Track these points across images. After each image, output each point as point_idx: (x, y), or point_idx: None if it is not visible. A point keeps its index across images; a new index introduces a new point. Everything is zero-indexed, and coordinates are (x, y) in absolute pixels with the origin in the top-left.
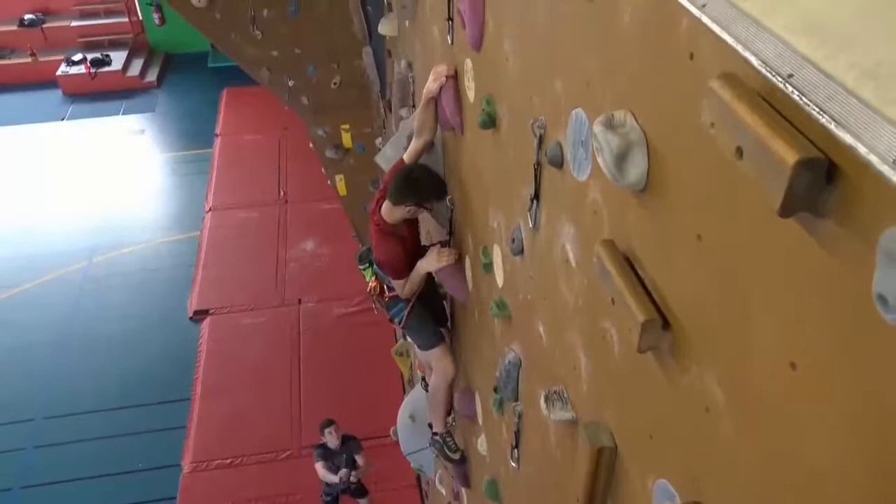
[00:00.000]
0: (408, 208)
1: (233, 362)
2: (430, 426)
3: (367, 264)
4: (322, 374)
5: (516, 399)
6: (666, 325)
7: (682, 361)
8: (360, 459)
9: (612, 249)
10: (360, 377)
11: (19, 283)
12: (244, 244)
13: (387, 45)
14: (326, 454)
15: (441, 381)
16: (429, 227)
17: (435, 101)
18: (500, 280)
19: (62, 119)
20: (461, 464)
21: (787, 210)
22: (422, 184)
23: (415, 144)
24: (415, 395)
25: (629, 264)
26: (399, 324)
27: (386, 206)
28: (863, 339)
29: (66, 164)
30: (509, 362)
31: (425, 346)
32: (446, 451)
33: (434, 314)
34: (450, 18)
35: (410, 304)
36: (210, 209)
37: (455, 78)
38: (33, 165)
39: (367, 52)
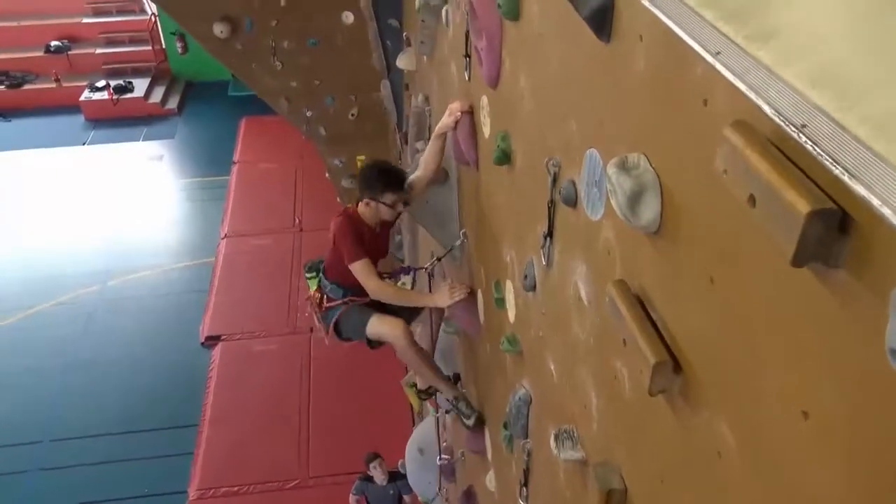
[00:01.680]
0: (367, 200)
1: (243, 389)
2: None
3: (314, 273)
4: (331, 403)
5: (526, 436)
6: (677, 367)
7: (693, 405)
8: (408, 500)
9: (625, 290)
10: (369, 408)
11: (33, 304)
12: (258, 271)
13: (405, 79)
14: (368, 489)
15: (399, 347)
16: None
17: (444, 136)
18: (511, 315)
19: (83, 144)
20: (478, 429)
21: (799, 260)
22: (371, 177)
23: (416, 174)
24: (424, 429)
25: (641, 305)
26: (328, 330)
27: (361, 203)
28: (876, 392)
29: (84, 187)
30: (520, 399)
31: (359, 330)
32: (463, 418)
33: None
34: (467, 55)
35: (344, 308)
36: (225, 236)
37: (471, 114)
38: (53, 188)
39: (385, 84)
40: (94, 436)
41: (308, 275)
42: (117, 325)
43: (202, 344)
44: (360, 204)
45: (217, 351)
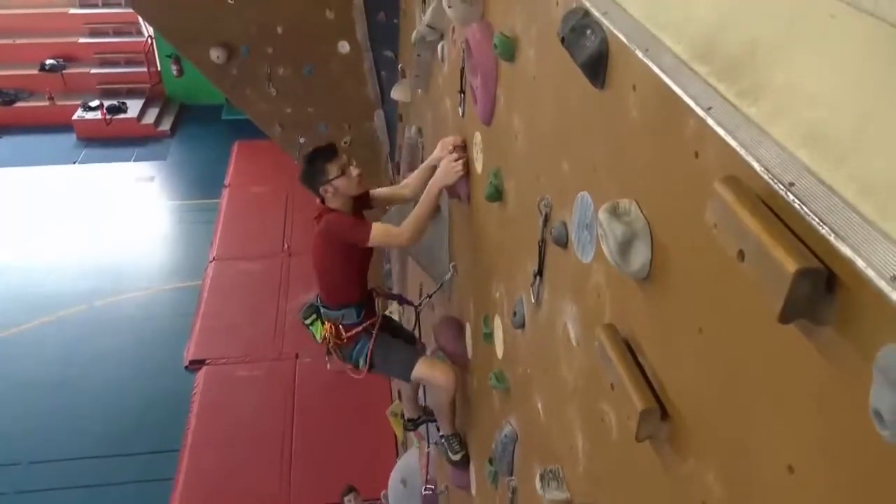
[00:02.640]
0: (324, 188)
1: (226, 415)
2: (438, 429)
3: (314, 315)
4: (315, 431)
5: (511, 474)
6: (665, 414)
7: (680, 452)
8: None
9: (614, 334)
10: (353, 437)
11: (18, 322)
12: (245, 295)
13: (399, 110)
14: None
15: (443, 394)
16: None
17: (432, 169)
18: (499, 351)
19: (74, 162)
20: (462, 466)
21: (786, 317)
22: (308, 169)
23: (393, 189)
24: (407, 460)
25: (630, 350)
26: (363, 367)
27: (320, 205)
28: (860, 451)
29: (74, 207)
30: (506, 436)
31: (406, 371)
32: (448, 452)
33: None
34: (462, 91)
35: (373, 338)
36: (214, 259)
37: (464, 149)
38: (43, 207)
39: (379, 114)
40: (74, 459)
41: (307, 321)
42: (102, 346)
43: (186, 368)
44: (324, 203)
45: (201, 375)
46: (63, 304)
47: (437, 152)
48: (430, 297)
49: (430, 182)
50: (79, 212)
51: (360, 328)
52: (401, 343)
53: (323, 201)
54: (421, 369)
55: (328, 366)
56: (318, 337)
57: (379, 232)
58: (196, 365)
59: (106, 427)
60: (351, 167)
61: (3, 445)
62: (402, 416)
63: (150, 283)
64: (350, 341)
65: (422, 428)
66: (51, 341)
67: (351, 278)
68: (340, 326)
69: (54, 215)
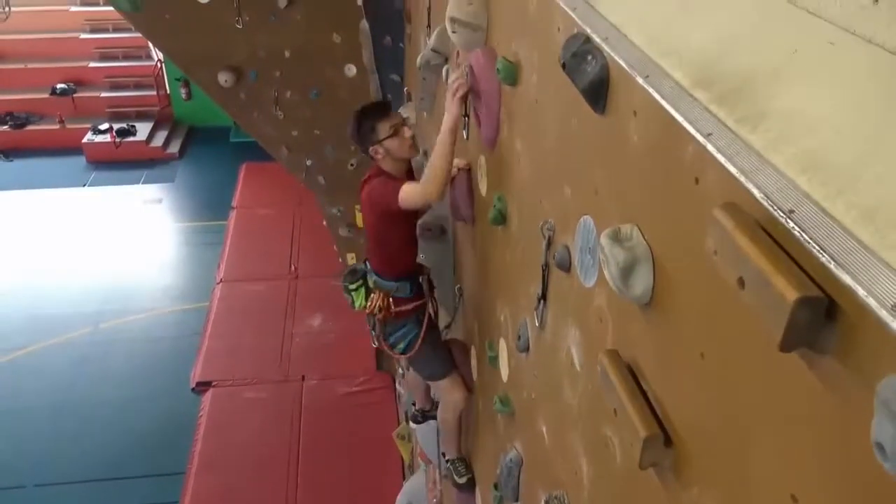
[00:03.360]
0: (375, 148)
1: (231, 437)
2: (444, 454)
3: (359, 280)
4: (321, 454)
5: (516, 499)
6: (668, 441)
7: (684, 480)
8: None
9: (616, 360)
10: (359, 460)
11: (25, 345)
12: (252, 317)
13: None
14: None
15: (451, 413)
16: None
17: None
18: (504, 375)
19: (84, 185)
20: (468, 490)
21: (787, 345)
22: (357, 126)
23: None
24: (413, 483)
25: (633, 375)
26: (403, 353)
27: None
28: (863, 481)
29: (82, 229)
30: (511, 460)
31: (437, 375)
32: (454, 476)
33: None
34: (466, 115)
35: (424, 325)
36: (221, 280)
37: (468, 171)
38: (51, 229)
39: None
40: (80, 482)
41: (351, 285)
42: (108, 368)
43: (193, 390)
44: (374, 167)
45: (207, 397)
46: (69, 326)
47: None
48: (448, 327)
49: (442, 126)
50: (87, 234)
51: (410, 306)
52: (446, 349)
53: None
54: (446, 383)
55: (374, 343)
56: (357, 304)
57: (407, 192)
58: (203, 387)
59: (111, 450)
60: (405, 127)
61: (8, 468)
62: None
63: (157, 305)
64: (399, 318)
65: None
66: (57, 363)
67: (404, 247)
68: (392, 299)
69: (63, 237)
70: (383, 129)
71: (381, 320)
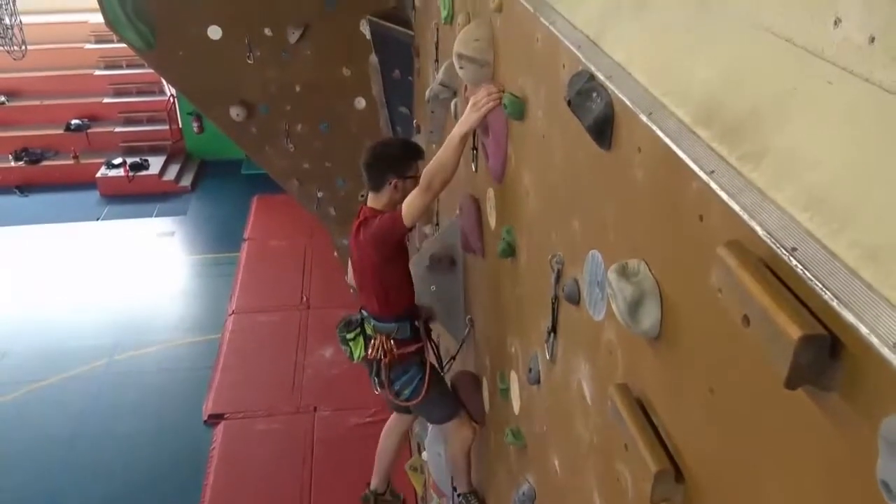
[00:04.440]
0: (393, 183)
1: (243, 470)
2: (455, 489)
3: (356, 329)
4: (333, 486)
5: None
6: (679, 476)
7: None
8: None
9: (626, 394)
10: None
11: (41, 378)
12: (264, 348)
13: None
14: None
15: (460, 449)
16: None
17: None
18: (516, 407)
19: (97, 219)
20: None
21: (792, 383)
22: (396, 154)
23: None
24: None
25: (643, 410)
26: (408, 400)
27: (371, 198)
28: None
29: (96, 262)
30: (524, 494)
31: (445, 418)
32: None
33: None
34: (474, 149)
35: (427, 369)
36: (233, 312)
37: (477, 203)
38: (65, 263)
39: None
40: None
41: (348, 335)
42: (122, 401)
43: (205, 422)
44: (363, 212)
45: (219, 430)
46: (83, 359)
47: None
48: (453, 358)
49: (454, 129)
50: (101, 267)
51: (412, 348)
52: (451, 394)
53: (364, 204)
54: (454, 426)
55: (376, 390)
56: (356, 355)
57: (409, 205)
58: (215, 419)
59: (124, 483)
60: (419, 172)
61: (23, 500)
62: (421, 470)
63: (170, 337)
64: (401, 361)
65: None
66: (70, 396)
67: (403, 283)
68: (393, 341)
69: (77, 271)
70: (413, 168)
71: (387, 365)
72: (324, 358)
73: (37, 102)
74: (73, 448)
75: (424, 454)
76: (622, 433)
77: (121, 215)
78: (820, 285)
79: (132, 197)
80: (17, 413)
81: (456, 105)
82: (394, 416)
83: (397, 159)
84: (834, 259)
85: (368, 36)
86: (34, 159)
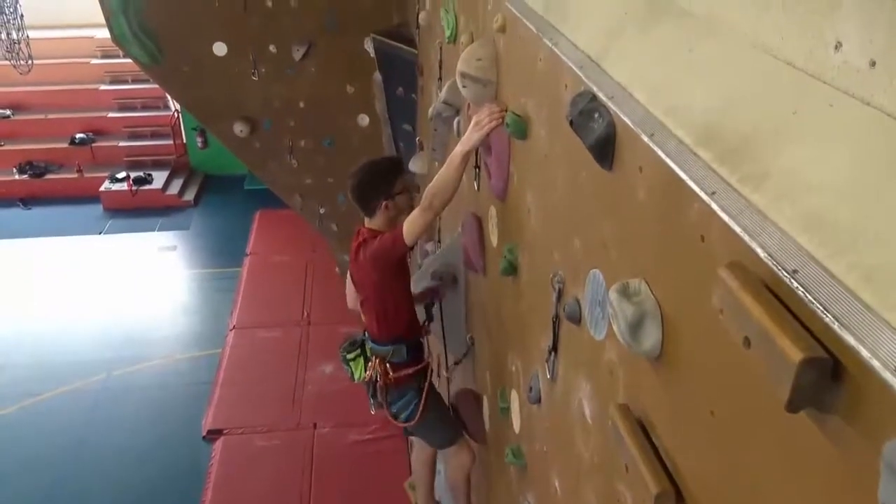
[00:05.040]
0: (384, 205)
1: (242, 487)
2: None
3: (356, 350)
4: (333, 503)
5: None
6: (680, 497)
7: None
8: None
9: (627, 415)
10: None
11: (39, 392)
12: (264, 364)
13: (416, 181)
14: None
15: (460, 474)
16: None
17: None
18: (517, 426)
19: (100, 233)
20: None
21: (794, 406)
22: (378, 172)
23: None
24: None
25: (644, 430)
26: (405, 422)
27: (368, 221)
28: None
29: (97, 276)
30: None
31: (445, 444)
32: None
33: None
34: (477, 167)
35: (424, 393)
36: (234, 327)
37: (479, 221)
38: (66, 276)
39: None
40: None
41: (349, 356)
42: (120, 416)
43: (204, 438)
44: (362, 233)
45: (218, 445)
46: (81, 373)
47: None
48: (457, 363)
49: (456, 147)
50: (102, 281)
51: (409, 371)
52: (451, 419)
53: (361, 226)
54: (453, 452)
55: (372, 410)
56: (356, 375)
57: (410, 224)
58: (214, 435)
59: (122, 498)
60: (411, 184)
61: None
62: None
63: (171, 352)
64: (397, 384)
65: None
66: (68, 411)
67: (402, 303)
68: (388, 364)
69: (78, 285)
70: (399, 184)
71: (383, 388)
72: (324, 374)
73: (42, 116)
74: (70, 463)
75: (413, 477)
76: (623, 454)
77: (123, 229)
78: (821, 308)
79: (135, 211)
80: (14, 427)
81: (459, 123)
82: (416, 444)
83: (380, 181)
84: (835, 281)
85: (372, 53)
86: (38, 173)
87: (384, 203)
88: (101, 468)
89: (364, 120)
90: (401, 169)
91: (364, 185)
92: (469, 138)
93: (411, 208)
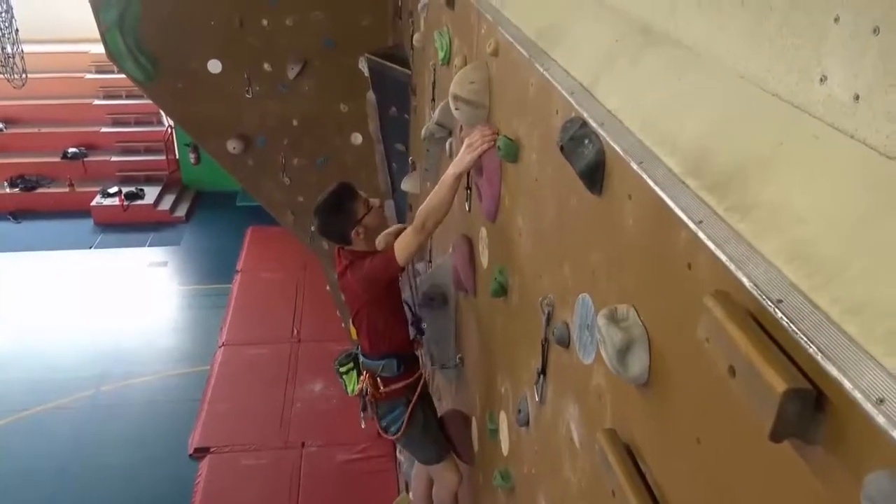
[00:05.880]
0: (354, 231)
1: None
2: None
3: (352, 364)
4: None
5: None
6: None
7: None
8: None
9: (614, 440)
10: None
11: (26, 408)
12: (253, 381)
13: (409, 200)
14: None
15: (446, 493)
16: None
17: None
18: (505, 448)
19: (90, 247)
20: None
21: (777, 436)
22: (335, 206)
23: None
24: None
25: (631, 456)
26: (394, 435)
27: (345, 251)
28: None
29: (87, 292)
30: None
31: (431, 460)
32: None
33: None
34: (468, 188)
35: (411, 406)
36: (223, 344)
37: (470, 242)
38: (56, 292)
39: (390, 204)
40: None
41: (342, 369)
42: (107, 432)
43: (191, 456)
44: (346, 257)
45: (205, 464)
46: (69, 389)
47: (462, 152)
48: (444, 366)
49: (448, 169)
50: (91, 297)
51: (399, 385)
52: (439, 434)
53: (341, 248)
54: (441, 468)
55: (363, 424)
56: (349, 388)
57: (402, 245)
58: (200, 453)
59: None
60: (370, 199)
61: None
62: None
63: (160, 368)
64: (387, 398)
65: None
66: (57, 427)
67: (393, 320)
68: (378, 378)
69: (67, 300)
70: (360, 208)
71: (372, 402)
72: (313, 392)
73: (34, 130)
74: (57, 480)
75: (411, 494)
76: (610, 479)
77: (114, 244)
78: (805, 338)
79: (126, 226)
80: (0, 444)
81: (451, 145)
82: (416, 465)
83: (341, 214)
84: (819, 313)
85: (366, 73)
86: (29, 186)
87: (354, 231)
88: (87, 485)
89: (357, 139)
90: (354, 193)
91: (328, 223)
92: (461, 160)
93: (383, 221)
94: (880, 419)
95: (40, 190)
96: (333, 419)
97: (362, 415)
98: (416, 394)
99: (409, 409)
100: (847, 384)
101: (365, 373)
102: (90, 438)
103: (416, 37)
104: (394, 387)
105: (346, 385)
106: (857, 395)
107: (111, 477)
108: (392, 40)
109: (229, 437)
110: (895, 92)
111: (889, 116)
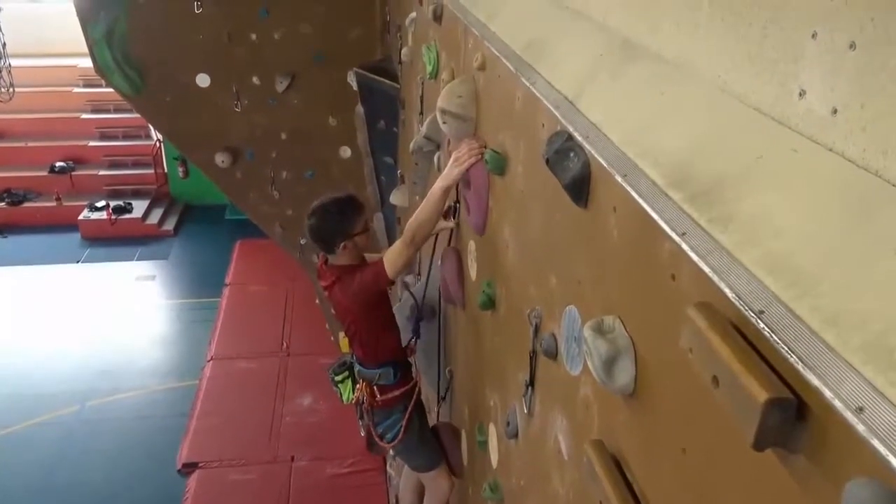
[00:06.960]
0: (342, 245)
1: None
2: None
3: (345, 372)
4: None
5: None
6: None
7: None
8: None
9: (602, 451)
10: None
11: (10, 423)
12: (242, 396)
13: (397, 213)
14: None
15: (437, 501)
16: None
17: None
18: (494, 460)
19: (77, 262)
20: None
21: (759, 445)
22: (338, 212)
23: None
24: None
25: (618, 466)
26: (391, 442)
27: (331, 258)
28: None
29: (74, 306)
30: None
31: (424, 467)
32: None
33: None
34: (457, 201)
35: (407, 414)
36: (211, 358)
37: (459, 255)
38: (43, 306)
39: (379, 217)
40: None
41: (337, 378)
42: (94, 448)
43: (179, 471)
44: (333, 269)
45: (193, 480)
46: (55, 404)
47: (450, 166)
48: (442, 399)
49: (436, 183)
50: (78, 311)
51: (397, 393)
52: (434, 441)
53: (325, 262)
54: (434, 476)
55: (361, 432)
56: (345, 397)
57: (391, 258)
58: (189, 468)
59: None
60: (370, 223)
61: None
62: None
63: (147, 383)
64: (384, 406)
65: None
66: (42, 443)
67: (385, 330)
68: (375, 387)
69: (53, 314)
70: (360, 223)
71: (369, 409)
72: (303, 406)
73: (21, 144)
74: (42, 496)
75: None
76: (597, 490)
77: (102, 258)
78: (786, 348)
79: (114, 240)
80: None
81: (439, 158)
82: (404, 471)
83: (341, 221)
84: (799, 323)
85: (355, 87)
86: (16, 201)
87: (342, 244)
88: (73, 502)
89: (346, 152)
90: (361, 208)
91: (324, 222)
92: (449, 174)
93: (369, 245)
94: (860, 427)
95: (27, 204)
96: (323, 433)
97: (360, 423)
98: (413, 401)
99: (406, 416)
100: (827, 392)
101: (361, 382)
102: (76, 454)
103: (404, 51)
104: (391, 395)
105: (340, 394)
106: (837, 404)
107: (98, 493)
108: (380, 54)
109: (218, 452)
110: (871, 106)
111: (865, 130)
